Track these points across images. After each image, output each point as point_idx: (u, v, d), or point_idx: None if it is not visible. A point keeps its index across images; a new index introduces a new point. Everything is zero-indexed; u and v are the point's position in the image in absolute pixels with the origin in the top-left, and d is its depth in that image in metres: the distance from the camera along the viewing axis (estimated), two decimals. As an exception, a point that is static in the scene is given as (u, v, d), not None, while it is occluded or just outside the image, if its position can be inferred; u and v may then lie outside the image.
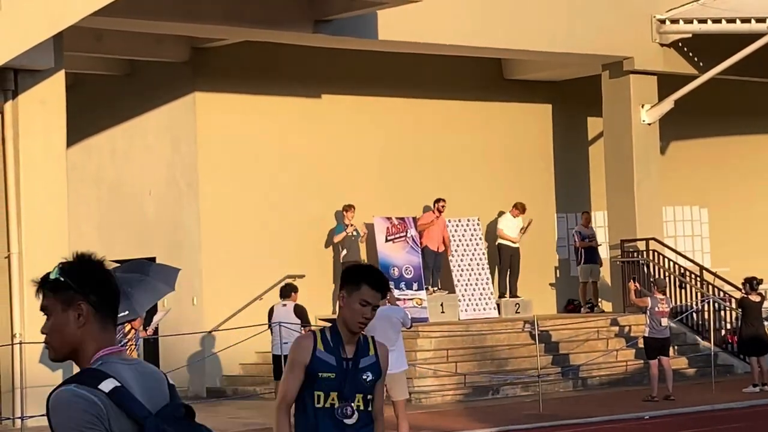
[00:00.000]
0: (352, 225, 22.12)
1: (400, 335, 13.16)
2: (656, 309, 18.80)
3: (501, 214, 24.39)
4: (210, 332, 20.93)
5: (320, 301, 22.24)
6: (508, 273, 24.04)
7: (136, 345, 15.33)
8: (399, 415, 13.05)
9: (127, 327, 15.22)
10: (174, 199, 22.01)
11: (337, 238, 22.18)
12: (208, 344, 21.03)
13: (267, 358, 19.65)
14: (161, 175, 22.18)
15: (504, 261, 24.02)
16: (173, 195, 22.02)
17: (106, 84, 23.02)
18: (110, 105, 23.02)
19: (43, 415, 16.27)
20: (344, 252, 22.16)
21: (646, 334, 19.02)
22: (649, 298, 19.07)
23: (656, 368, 18.79)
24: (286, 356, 17.94)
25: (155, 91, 22.25)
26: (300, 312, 17.89)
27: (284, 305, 18.00)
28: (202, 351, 21.12)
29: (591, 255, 24.54)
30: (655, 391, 18.52)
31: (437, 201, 22.97)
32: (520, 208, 24.00)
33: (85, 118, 22.50)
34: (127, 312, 15.10)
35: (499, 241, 24.04)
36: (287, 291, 18.27)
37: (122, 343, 15.16)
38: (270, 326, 18.01)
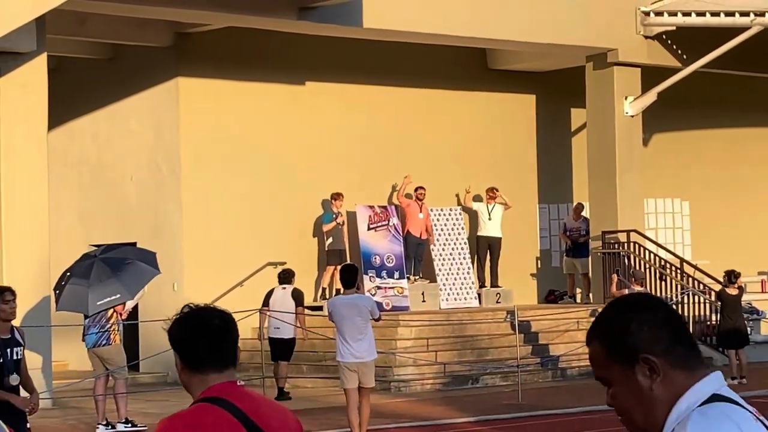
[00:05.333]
0: (341, 214, 22.12)
1: (369, 324, 13.21)
2: None
3: (477, 200, 24.31)
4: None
5: (302, 289, 22.21)
6: (488, 263, 24.04)
7: (118, 330, 15.26)
8: (364, 400, 13.22)
9: (110, 312, 15.14)
10: (156, 185, 21.95)
11: (326, 227, 22.14)
12: (188, 330, 20.98)
13: (246, 345, 19.61)
14: (143, 160, 22.12)
15: (481, 251, 24.00)
16: (155, 180, 21.96)
17: (89, 68, 22.93)
18: (93, 89, 22.93)
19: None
20: (329, 240, 22.16)
21: None
22: (626, 290, 19.08)
23: None
24: (283, 340, 18.26)
25: (138, 76, 22.17)
26: (297, 295, 18.46)
27: (284, 288, 18.34)
28: (182, 337, 21.06)
29: (574, 248, 24.52)
30: None
31: (417, 189, 22.95)
32: (490, 194, 23.94)
33: (67, 102, 22.42)
34: (118, 295, 14.99)
35: (480, 233, 24.00)
36: (288, 276, 18.64)
37: (105, 328, 15.08)
38: (265, 309, 18.28)
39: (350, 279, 13.31)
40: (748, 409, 2.85)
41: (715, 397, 2.82)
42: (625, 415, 2.88)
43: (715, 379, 2.88)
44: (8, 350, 9.49)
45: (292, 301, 18.22)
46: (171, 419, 3.81)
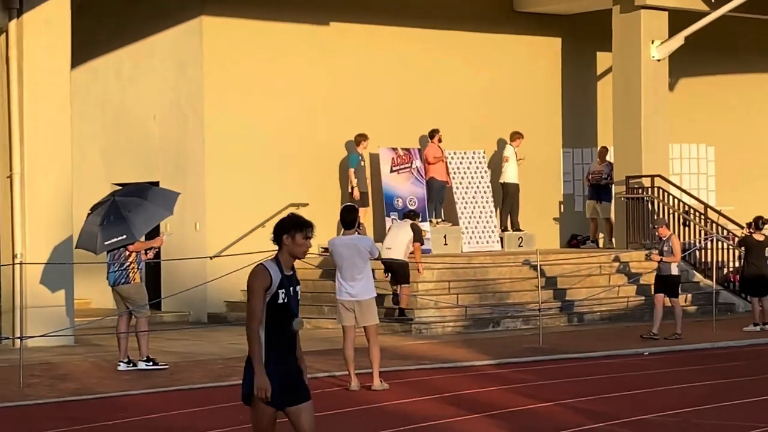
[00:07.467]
0: (362, 158, 22.02)
1: (368, 264, 13.32)
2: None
3: (503, 145, 24.16)
4: (212, 257, 20.91)
5: (323, 230, 22.13)
6: (510, 210, 23.92)
7: (138, 268, 15.31)
8: (370, 339, 13.27)
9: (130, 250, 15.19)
10: (179, 124, 21.90)
11: (352, 171, 22.01)
12: (211, 270, 21.00)
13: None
14: (166, 99, 22.05)
15: (507, 199, 23.83)
16: (178, 120, 21.91)
17: (113, 5, 22.81)
18: (116, 27, 22.83)
19: (42, 336, 16.32)
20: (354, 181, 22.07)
21: (676, 272, 18.54)
22: (674, 237, 18.64)
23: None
24: (394, 262, 18.96)
25: (162, 14, 22.06)
26: (415, 229, 19.37)
27: (405, 220, 19.74)
28: (204, 276, 21.10)
29: (595, 191, 24.43)
30: (680, 329, 18.29)
31: (436, 132, 22.76)
32: (516, 139, 23.76)
33: (90, 40, 22.34)
34: (124, 236, 15.06)
35: (503, 180, 23.81)
36: (411, 215, 19.99)
37: (124, 266, 15.12)
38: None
39: (350, 220, 13.43)
40: None
41: None
42: None
43: None
44: (291, 288, 7.95)
45: (409, 231, 19.08)
46: None
